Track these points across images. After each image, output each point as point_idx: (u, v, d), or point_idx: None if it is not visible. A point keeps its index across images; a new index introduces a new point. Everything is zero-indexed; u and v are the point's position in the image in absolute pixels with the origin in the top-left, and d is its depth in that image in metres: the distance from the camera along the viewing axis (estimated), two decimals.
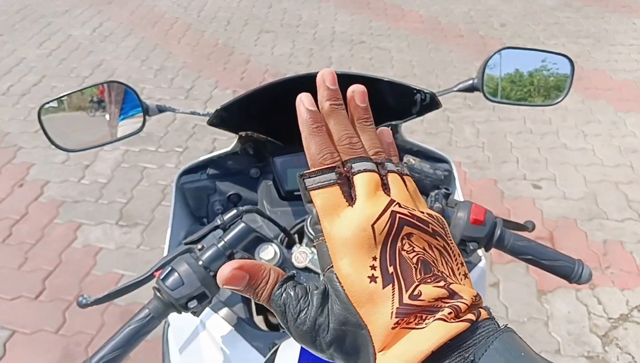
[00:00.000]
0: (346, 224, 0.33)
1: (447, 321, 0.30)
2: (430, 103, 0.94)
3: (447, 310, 0.30)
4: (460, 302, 0.31)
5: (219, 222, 0.81)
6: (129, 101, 1.04)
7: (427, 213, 0.35)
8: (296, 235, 0.94)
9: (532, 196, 2.56)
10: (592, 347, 1.87)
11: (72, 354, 1.84)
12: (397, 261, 0.32)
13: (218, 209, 1.09)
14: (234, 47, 4.05)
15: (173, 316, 0.85)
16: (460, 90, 1.02)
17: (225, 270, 0.35)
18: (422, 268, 0.33)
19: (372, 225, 0.33)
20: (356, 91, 0.37)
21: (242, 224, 0.80)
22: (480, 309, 0.32)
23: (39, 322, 1.96)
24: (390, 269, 0.32)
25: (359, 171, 0.35)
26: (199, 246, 0.79)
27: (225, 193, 1.09)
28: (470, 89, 1.01)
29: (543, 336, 1.90)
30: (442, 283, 0.32)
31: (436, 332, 0.30)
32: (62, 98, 1.03)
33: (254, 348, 0.84)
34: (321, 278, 0.36)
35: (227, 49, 4.02)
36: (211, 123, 0.95)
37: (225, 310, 0.90)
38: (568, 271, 0.82)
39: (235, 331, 0.86)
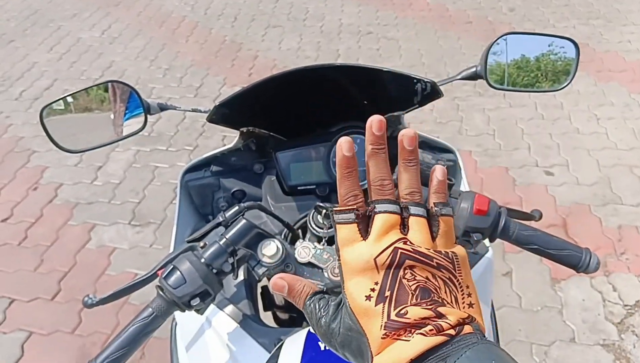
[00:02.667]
0: (355, 256, 0.41)
1: (426, 335, 0.37)
2: (431, 92, 0.93)
3: (428, 327, 0.37)
4: (444, 321, 0.37)
5: (220, 219, 0.81)
6: (133, 100, 1.04)
7: (438, 251, 0.41)
8: (300, 230, 0.94)
9: (544, 183, 2.53)
10: (607, 334, 1.84)
11: (88, 354, 1.87)
12: (396, 286, 0.39)
13: (223, 206, 1.09)
14: (241, 44, 4.05)
15: (180, 315, 0.86)
16: (463, 78, 1.00)
17: (272, 279, 0.46)
18: (420, 294, 0.39)
19: (375, 259, 0.40)
20: (405, 135, 0.43)
21: (244, 221, 0.79)
22: (466, 326, 0.38)
23: (56, 322, 1.99)
24: (387, 292, 0.39)
25: (380, 212, 0.41)
26: (202, 244, 0.79)
27: (229, 189, 1.09)
28: (474, 76, 1.00)
29: (557, 324, 1.88)
30: (432, 306, 0.38)
31: (417, 343, 0.36)
32: (65, 98, 1.04)
33: (259, 344, 0.84)
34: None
35: (235, 46, 4.03)
36: (211, 120, 0.95)
37: (230, 307, 0.90)
38: (575, 260, 0.80)
39: (241, 328, 0.87)
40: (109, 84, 1.09)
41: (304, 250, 0.81)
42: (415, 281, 0.39)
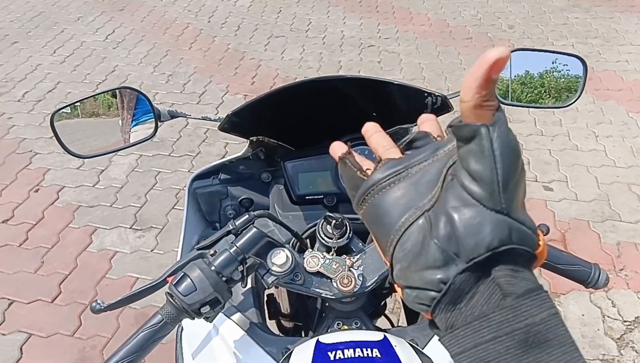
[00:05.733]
0: None
1: None
2: (441, 106, 0.95)
3: None
4: None
5: (231, 227, 0.82)
6: (141, 106, 1.05)
7: None
8: (308, 240, 0.95)
9: (543, 198, 2.55)
10: (607, 350, 1.85)
11: (87, 357, 1.87)
12: None
13: (230, 214, 1.10)
14: (244, 52, 4.08)
15: (186, 321, 0.87)
16: None
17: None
18: None
19: None
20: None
21: (254, 230, 0.80)
22: None
23: (55, 325, 1.99)
24: None
25: None
26: (212, 252, 0.79)
27: (237, 197, 1.10)
28: None
29: None
30: None
31: None
32: (75, 104, 1.05)
33: (266, 353, 0.84)
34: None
35: (238, 54, 4.05)
36: (222, 128, 0.96)
37: (238, 315, 0.91)
38: (585, 275, 0.81)
39: (248, 336, 0.87)
40: (117, 90, 1.10)
41: (313, 260, 0.82)
42: None
